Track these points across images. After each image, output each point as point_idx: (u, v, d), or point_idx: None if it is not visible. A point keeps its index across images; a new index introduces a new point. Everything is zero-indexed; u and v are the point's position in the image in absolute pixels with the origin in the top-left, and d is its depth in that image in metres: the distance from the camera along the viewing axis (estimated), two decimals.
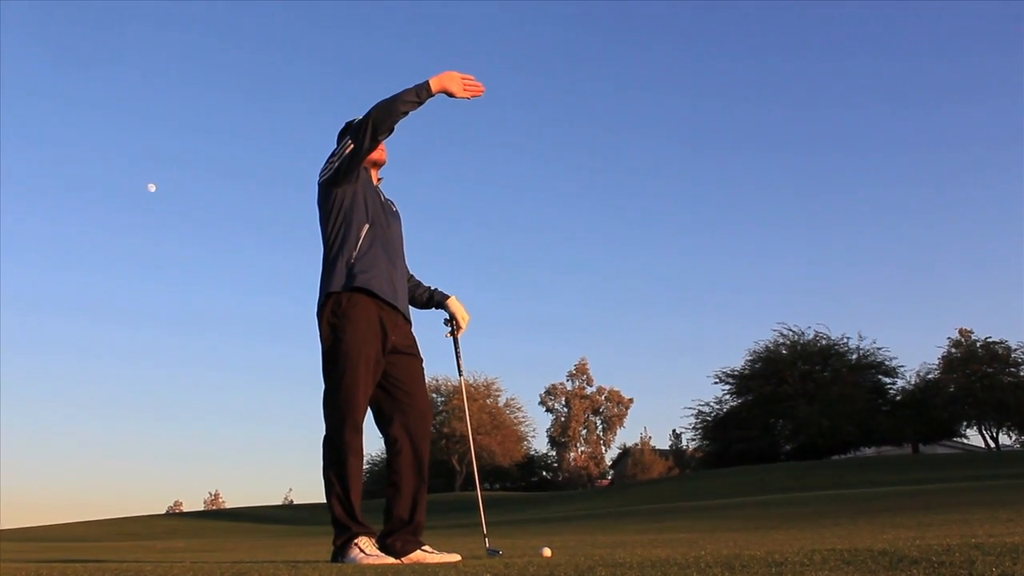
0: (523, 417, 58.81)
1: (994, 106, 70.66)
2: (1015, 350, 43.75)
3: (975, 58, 70.65)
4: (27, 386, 76.32)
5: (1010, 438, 46.34)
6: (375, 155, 4.28)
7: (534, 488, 58.11)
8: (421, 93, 4.02)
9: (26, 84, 70.33)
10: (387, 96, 4.04)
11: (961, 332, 45.39)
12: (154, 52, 74.13)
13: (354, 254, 4.12)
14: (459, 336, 4.71)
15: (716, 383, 48.66)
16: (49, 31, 71.96)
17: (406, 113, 4.04)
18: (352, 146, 4.08)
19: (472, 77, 4.10)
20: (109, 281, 77.83)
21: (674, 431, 66.23)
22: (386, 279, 4.15)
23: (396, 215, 4.43)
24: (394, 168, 4.49)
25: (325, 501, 4.05)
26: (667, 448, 63.63)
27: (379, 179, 4.44)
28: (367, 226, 4.17)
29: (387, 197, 4.44)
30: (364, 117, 4.07)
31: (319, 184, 4.25)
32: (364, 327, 4.03)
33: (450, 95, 4.09)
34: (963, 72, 71.73)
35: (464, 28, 79.82)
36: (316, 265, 4.22)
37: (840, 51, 74.41)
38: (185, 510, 68.77)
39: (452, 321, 4.68)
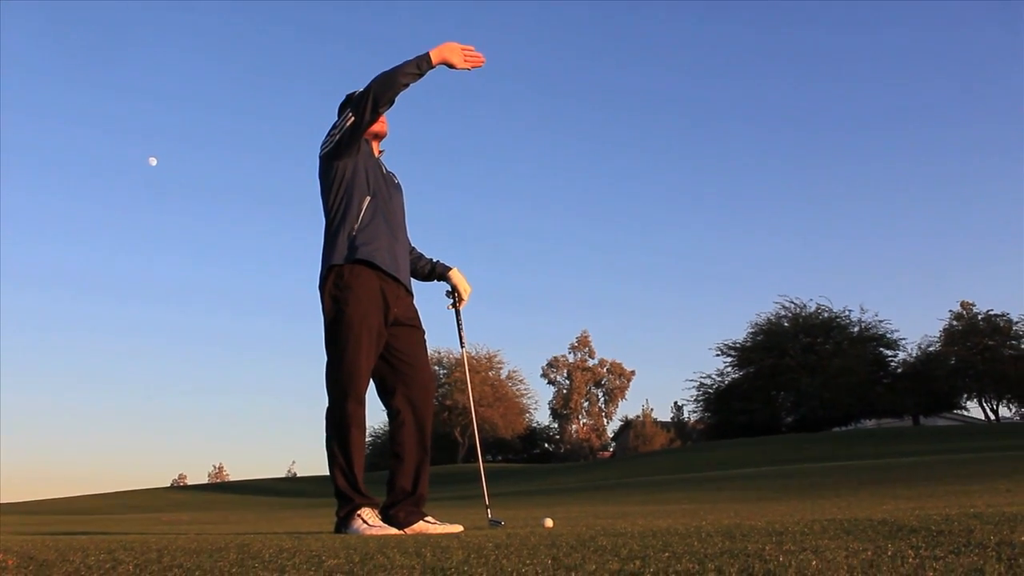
0: (525, 389, 59.10)
1: (997, 80, 70.30)
2: (1016, 323, 43.92)
3: (975, 32, 70.15)
4: (32, 361, 76.59)
5: (1010, 410, 46.55)
6: (376, 127, 4.27)
7: (536, 460, 58.40)
8: (422, 65, 4.00)
9: (26, 59, 70.00)
10: (388, 68, 4.02)
11: (963, 305, 45.44)
12: (155, 26, 73.68)
13: (356, 226, 4.11)
14: (461, 308, 4.71)
15: (718, 355, 48.86)
16: (48, 6, 71.52)
17: (407, 85, 4.02)
18: (353, 119, 4.07)
19: (472, 48, 4.08)
20: (111, 255, 77.87)
21: (676, 403, 66.38)
22: (388, 251, 4.15)
23: (398, 187, 4.42)
24: (396, 141, 4.48)
25: (328, 473, 4.07)
26: (669, 420, 63.82)
27: (381, 151, 4.43)
28: (369, 198, 4.17)
29: (389, 169, 4.43)
30: (365, 90, 4.06)
31: (320, 157, 4.24)
32: (366, 299, 4.04)
33: (451, 67, 4.07)
34: (966, 45, 71.28)
35: (465, 4, 79.27)
36: (318, 238, 4.23)
37: (838, 24, 73.89)
38: (189, 483, 69.23)
39: (454, 293, 4.69)
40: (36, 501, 36.33)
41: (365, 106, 4.02)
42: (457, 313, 4.72)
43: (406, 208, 4.45)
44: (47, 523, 11.08)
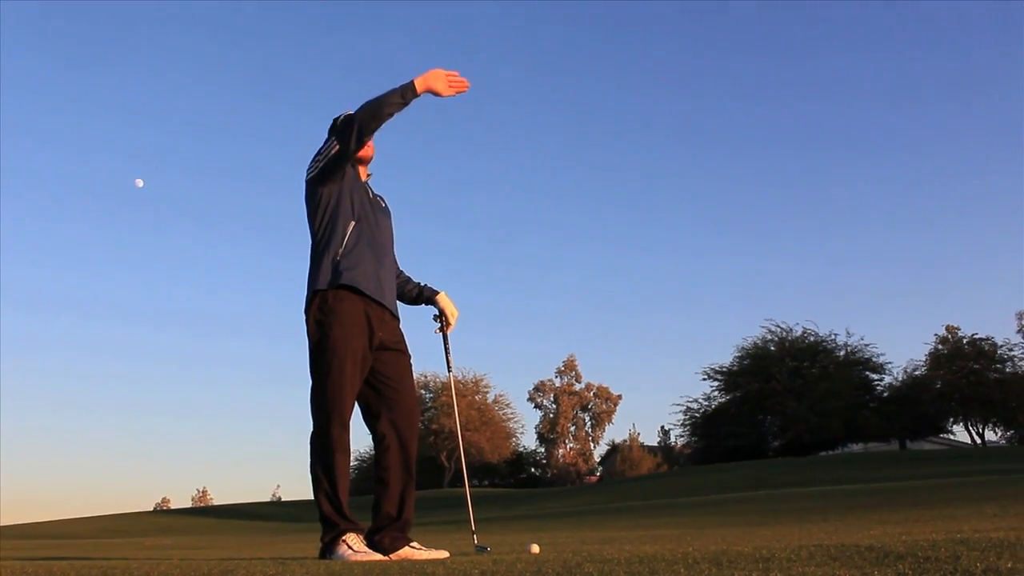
0: (512, 414, 58.87)
1: (981, 104, 71.06)
2: (1001, 347, 44.11)
3: (965, 56, 70.95)
4: (15, 384, 75.91)
5: (996, 434, 46.70)
6: (362, 152, 4.27)
7: (522, 484, 58.16)
8: (406, 94, 4.01)
9: (11, 79, 69.89)
10: (373, 97, 4.03)
11: (948, 329, 45.68)
12: (142, 47, 73.75)
13: (340, 251, 4.12)
14: (448, 332, 4.70)
15: (705, 380, 48.86)
16: (37, 26, 71.54)
17: (392, 115, 4.04)
18: (338, 147, 4.08)
19: (457, 73, 4.09)
20: (96, 277, 77.47)
21: (663, 427, 66.36)
22: (372, 276, 4.15)
23: (385, 211, 4.42)
24: (385, 163, 4.48)
25: (313, 498, 4.05)
26: (655, 444, 63.73)
27: (368, 175, 4.43)
28: (353, 223, 4.17)
29: (376, 193, 4.43)
30: (349, 118, 4.07)
31: (306, 182, 4.25)
32: (351, 323, 4.03)
33: (436, 94, 4.07)
34: (952, 69, 72.08)
35: (461, 24, 79.79)
36: (304, 262, 4.22)
37: (828, 49, 74.65)
38: (173, 507, 68.59)
39: (441, 317, 4.68)
40: (19, 525, 35.94)
41: (350, 135, 4.03)
42: (444, 337, 4.71)
43: (394, 231, 4.46)
44: (26, 548, 10.95)
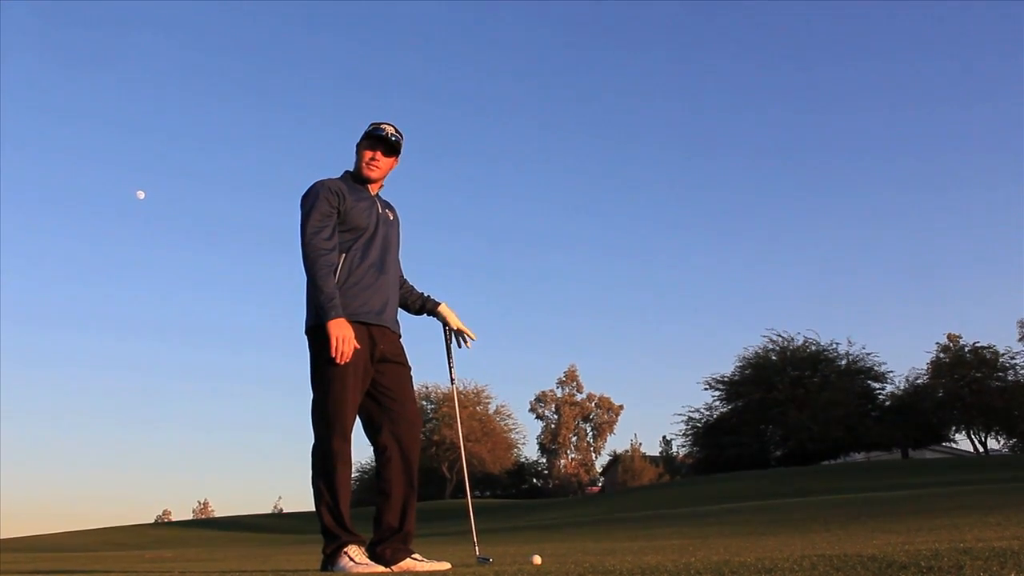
0: (513, 424, 58.84)
1: (985, 110, 71.16)
2: (1003, 355, 44.05)
3: (967, 61, 71.10)
4: (16, 395, 75.90)
5: (998, 442, 46.63)
6: (368, 172, 4.28)
7: (524, 495, 58.09)
8: (321, 311, 3.98)
9: (11, 88, 70.04)
10: (320, 275, 4.00)
11: (950, 337, 45.63)
12: (143, 57, 73.93)
13: (340, 271, 4.12)
14: (468, 346, 4.67)
15: (706, 389, 48.76)
16: (34, 35, 71.70)
17: (311, 284, 4.04)
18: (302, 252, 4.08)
19: (347, 354, 3.95)
20: (97, 289, 77.61)
21: (664, 438, 66.37)
22: (373, 292, 4.15)
23: (392, 222, 4.40)
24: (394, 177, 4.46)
25: (314, 510, 4.04)
26: (657, 455, 63.68)
27: (381, 186, 4.40)
28: (356, 241, 4.17)
29: (385, 203, 4.41)
30: (306, 252, 4.04)
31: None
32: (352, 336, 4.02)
33: (327, 336, 3.96)
34: (955, 75, 72.22)
35: (460, 32, 79.99)
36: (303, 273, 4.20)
37: (829, 54, 74.79)
38: (174, 519, 68.47)
39: (448, 328, 4.65)
40: (20, 538, 35.86)
41: (302, 255, 4.06)
42: (448, 348, 4.69)
43: (401, 238, 4.45)
44: (31, 561, 10.93)
